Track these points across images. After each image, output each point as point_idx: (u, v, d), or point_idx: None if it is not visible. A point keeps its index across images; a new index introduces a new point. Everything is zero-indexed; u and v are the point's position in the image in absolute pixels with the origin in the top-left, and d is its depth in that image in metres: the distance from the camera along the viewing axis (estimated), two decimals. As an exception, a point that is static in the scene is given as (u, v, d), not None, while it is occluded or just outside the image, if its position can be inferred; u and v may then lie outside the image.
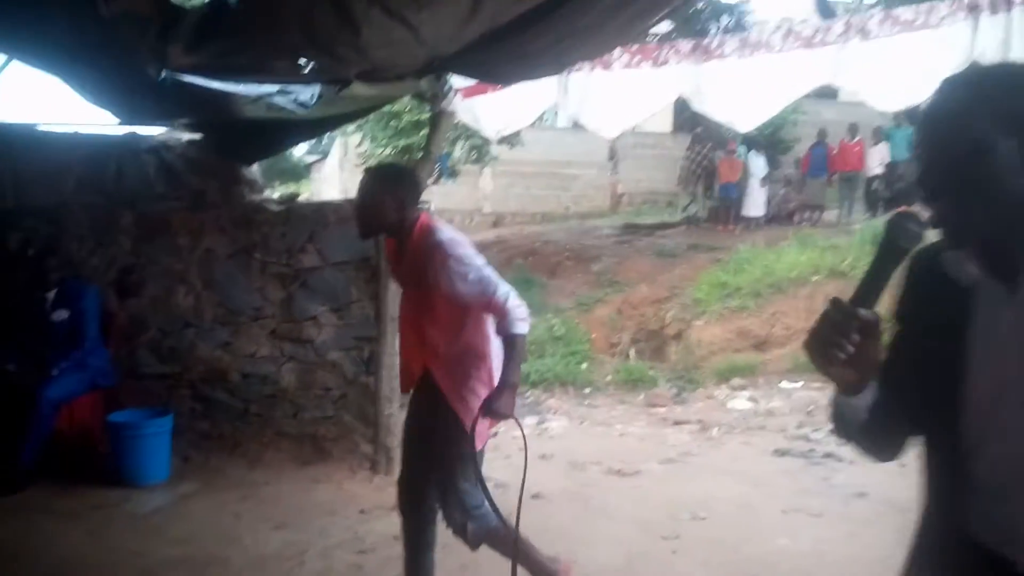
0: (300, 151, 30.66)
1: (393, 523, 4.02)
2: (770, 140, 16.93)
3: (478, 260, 2.59)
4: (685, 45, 4.39)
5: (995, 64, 1.28)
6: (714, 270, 10.53)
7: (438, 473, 2.77)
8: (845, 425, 1.31)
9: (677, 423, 7.26)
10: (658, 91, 4.45)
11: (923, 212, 1.20)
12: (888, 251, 1.20)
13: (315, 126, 4.75)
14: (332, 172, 22.07)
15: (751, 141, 15.27)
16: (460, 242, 2.63)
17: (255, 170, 5.16)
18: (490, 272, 2.58)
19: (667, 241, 12.09)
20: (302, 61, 2.60)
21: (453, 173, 12.61)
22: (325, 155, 23.93)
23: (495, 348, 2.69)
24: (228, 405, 4.92)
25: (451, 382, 2.69)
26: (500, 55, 2.84)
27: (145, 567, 3.42)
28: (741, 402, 8.16)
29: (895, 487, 4.91)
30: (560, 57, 3.12)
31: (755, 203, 13.04)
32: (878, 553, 3.73)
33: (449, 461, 2.71)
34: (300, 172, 25.10)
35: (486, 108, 4.68)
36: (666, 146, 17.85)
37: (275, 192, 8.72)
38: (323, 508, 4.16)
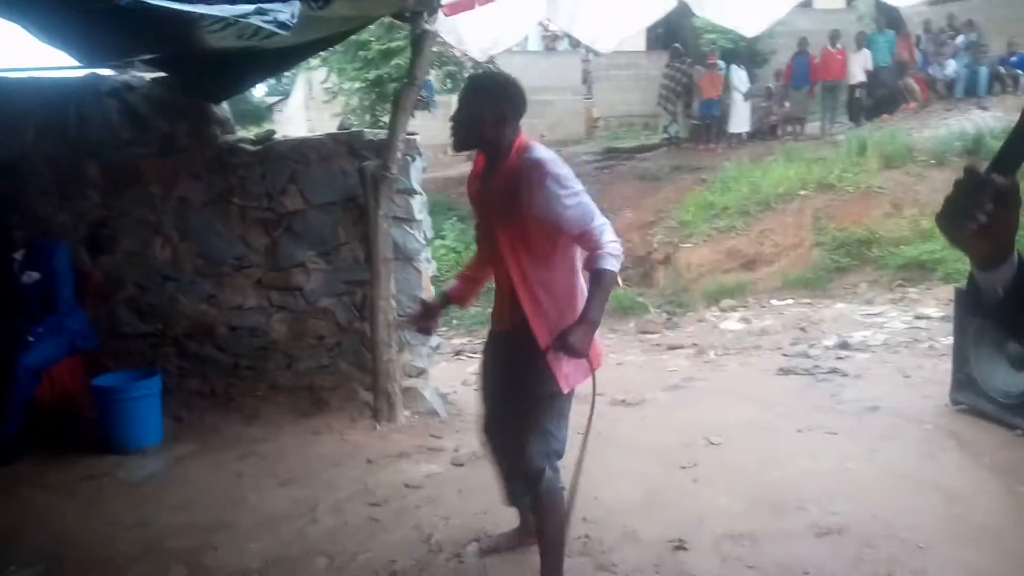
0: (260, 92, 29.70)
1: (402, 471, 3.92)
2: (747, 53, 16.55)
3: (578, 185, 2.36)
4: (683, -56, 4.07)
5: None
6: (700, 191, 10.36)
7: (524, 415, 2.55)
8: (984, 302, 1.20)
9: (672, 348, 7.18)
10: (655, -2, 4.15)
11: None
12: None
13: (284, 58, 4.38)
14: (296, 112, 21.37)
15: (729, 54, 14.89)
16: (558, 162, 2.38)
17: (226, 109, 4.80)
18: (589, 201, 2.35)
19: (649, 164, 11.83)
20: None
21: (432, 104, 12.07)
22: (287, 95, 23.14)
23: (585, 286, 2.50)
24: (218, 360, 4.70)
25: (539, 320, 2.47)
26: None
27: (147, 538, 3.23)
28: (733, 323, 8.10)
29: (904, 399, 4.88)
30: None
31: (740, 119, 12.73)
32: (903, 467, 3.68)
33: (536, 402, 2.50)
34: (262, 114, 24.26)
35: (471, 26, 4.34)
36: (641, 65, 17.35)
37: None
38: (328, 461, 3.99)
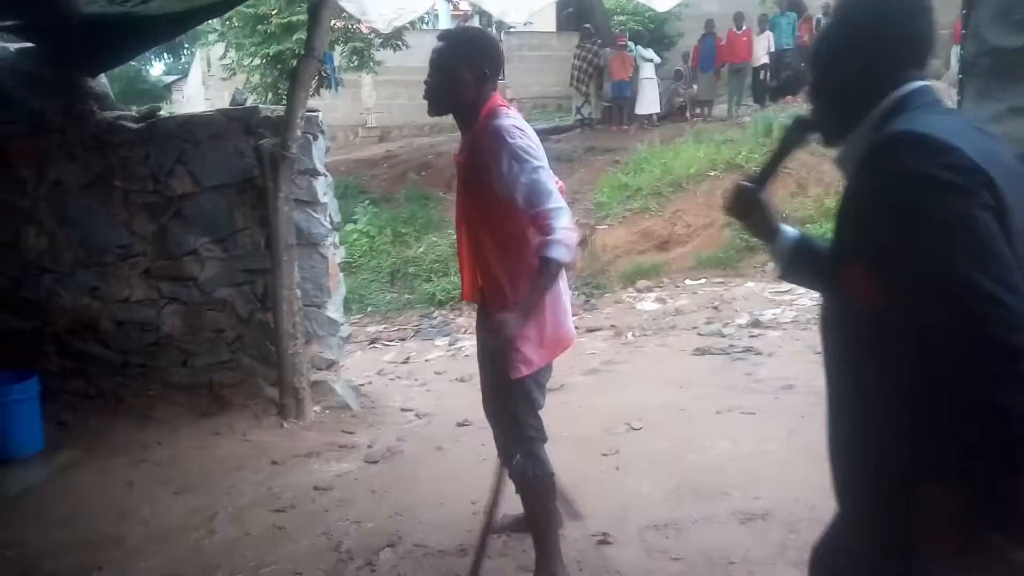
0: (158, 71, 28.16)
1: (310, 472, 3.67)
2: (655, 35, 16.70)
3: (537, 159, 2.17)
4: (593, -84, 3.91)
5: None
6: (614, 172, 10.33)
7: (496, 399, 2.50)
8: (779, 271, 1.72)
9: (590, 330, 7.13)
10: (566, -30, 3.98)
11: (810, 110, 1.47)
12: (783, 148, 1.62)
13: (166, 26, 4.01)
14: (195, 91, 20.30)
15: (638, 36, 14.95)
16: (522, 131, 2.21)
17: (104, 83, 4.37)
18: (548, 179, 2.17)
19: (563, 146, 11.73)
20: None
21: (336, 83, 11.57)
22: (185, 74, 22.01)
23: (554, 293, 2.33)
24: (104, 358, 4.31)
25: (497, 300, 2.33)
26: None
27: (24, 559, 2.91)
28: (649, 303, 8.13)
29: (817, 376, 4.86)
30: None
31: (650, 100, 12.78)
32: (821, 447, 3.66)
33: (504, 386, 2.38)
34: (159, 93, 23.04)
35: (373, -3, 4.08)
36: (552, 47, 17.26)
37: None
38: (229, 464, 3.71)
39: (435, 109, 2.36)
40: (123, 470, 3.65)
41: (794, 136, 1.58)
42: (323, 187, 4.43)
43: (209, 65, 15.40)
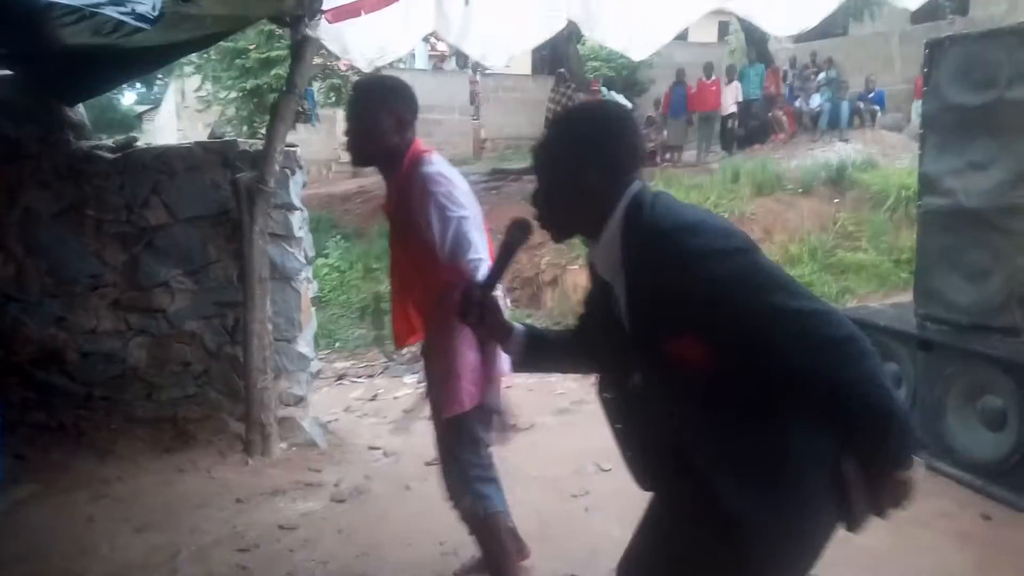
0: (129, 100, 28.02)
1: (276, 510, 3.61)
2: (627, 82, 17.10)
3: (465, 210, 2.17)
4: (572, -34, 4.03)
5: (581, 107, 1.87)
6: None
7: (441, 439, 2.51)
8: (514, 364, 1.79)
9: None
10: (547, 15, 4.08)
11: (533, 218, 1.58)
12: (506, 250, 1.66)
13: (149, 58, 4.03)
14: (167, 121, 20.29)
15: (611, 82, 15.29)
16: (447, 178, 2.21)
17: (81, 112, 4.35)
18: (473, 230, 2.16)
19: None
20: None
21: (315, 118, 11.63)
22: (157, 103, 21.97)
23: None
24: (67, 390, 4.22)
25: (437, 344, 2.35)
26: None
27: (-25, 596, 2.81)
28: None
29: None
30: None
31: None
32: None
33: (446, 426, 2.40)
34: (130, 123, 22.95)
35: (356, 35, 4.13)
36: (527, 89, 17.55)
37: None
38: (192, 501, 3.63)
39: (358, 159, 2.37)
40: (83, 505, 3.55)
41: (517, 238, 1.63)
42: (299, 221, 4.43)
43: (183, 96, 15.38)
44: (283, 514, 3.51)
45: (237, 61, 10.59)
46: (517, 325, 1.73)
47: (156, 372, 4.29)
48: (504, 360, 2.37)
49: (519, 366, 1.78)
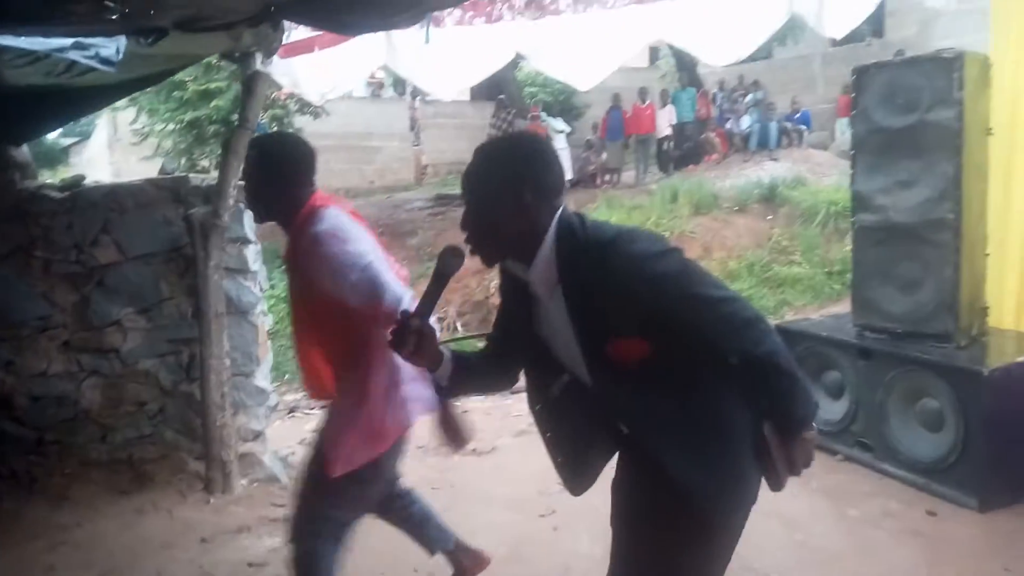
0: (54, 133, 27.09)
1: (243, 548, 3.58)
2: (564, 107, 17.43)
3: (362, 259, 2.10)
4: (519, 0, 4.18)
5: (503, 139, 1.91)
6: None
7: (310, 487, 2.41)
8: (440, 391, 1.84)
9: (515, 392, 7.17)
10: (495, 49, 4.22)
11: (464, 246, 1.66)
12: (439, 277, 1.68)
13: (97, 96, 3.99)
14: (99, 154, 19.72)
15: (548, 107, 15.57)
16: (340, 235, 2.14)
17: (26, 152, 4.28)
18: (378, 273, 2.09)
19: (480, 210, 11.98)
20: (110, 3, 2.04)
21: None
22: (86, 136, 21.33)
23: (388, 384, 2.23)
24: (17, 436, 4.10)
25: (331, 414, 2.32)
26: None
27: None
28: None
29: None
30: (420, 3, 2.74)
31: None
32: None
33: (316, 480, 2.35)
34: (56, 156, 22.15)
35: (307, 70, 4.19)
36: (467, 115, 17.73)
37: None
38: (155, 543, 3.57)
39: (257, 216, 2.39)
40: (41, 555, 3.45)
41: (450, 264, 1.66)
42: (253, 255, 4.42)
43: (116, 129, 15.01)
44: (251, 551, 3.48)
45: (175, 93, 10.45)
46: (445, 351, 1.78)
47: (110, 413, 4.20)
48: (405, 412, 2.28)
49: (448, 391, 1.82)
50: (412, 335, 1.65)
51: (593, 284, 1.56)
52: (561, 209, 1.64)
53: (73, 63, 2.79)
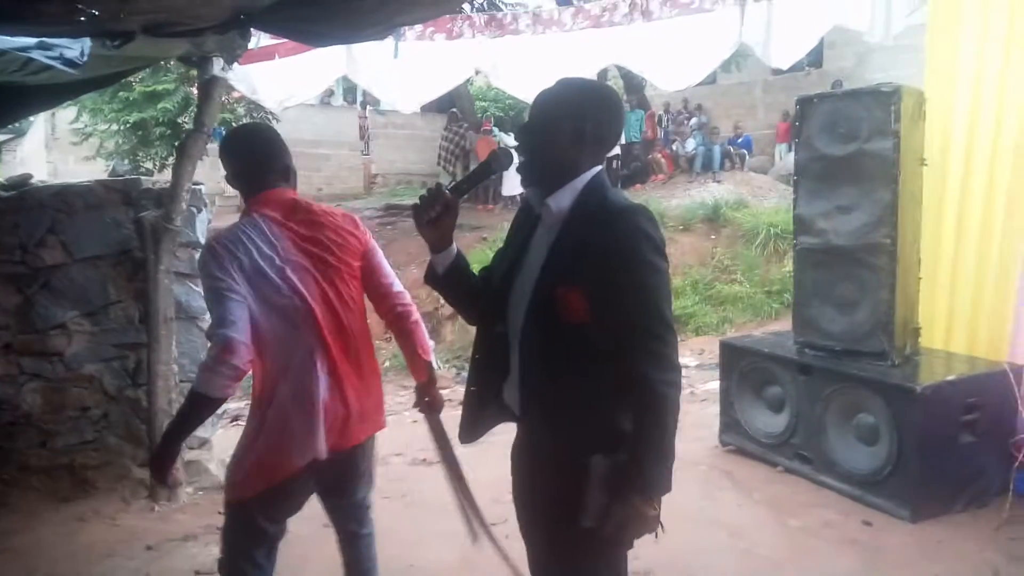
0: (-14, 129, 26.10)
1: (190, 556, 3.53)
2: (515, 122, 17.59)
3: (220, 281, 1.99)
4: (479, 19, 4.26)
5: (590, 80, 1.92)
6: (481, 249, 10.66)
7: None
8: (431, 275, 1.87)
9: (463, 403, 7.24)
10: (455, 65, 4.29)
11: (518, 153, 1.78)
12: (484, 167, 1.85)
13: (51, 95, 3.91)
14: (34, 153, 19.08)
15: (500, 121, 15.71)
16: (212, 251, 2.06)
17: (-31, 149, 4.16)
18: (221, 303, 1.97)
19: (430, 222, 12.01)
20: (80, 5, 2.03)
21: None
22: (20, 133, 20.62)
23: (293, 397, 2.10)
24: (-48, 441, 3.96)
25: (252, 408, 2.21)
26: (322, 11, 2.46)
27: None
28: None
29: (679, 441, 5.28)
30: (392, 17, 2.79)
31: (513, 182, 13.38)
32: (689, 507, 3.94)
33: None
34: (-13, 153, 21.34)
35: (265, 77, 4.19)
36: (417, 126, 17.74)
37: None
38: (98, 551, 3.50)
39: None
40: (-22, 562, 3.35)
41: (500, 161, 1.82)
42: (205, 260, 4.37)
43: (54, 128, 14.56)
44: (198, 560, 3.43)
45: (121, 94, 10.19)
46: (454, 243, 1.85)
47: (51, 418, 4.10)
48: (301, 450, 2.14)
49: (439, 280, 1.86)
50: (439, 205, 1.73)
51: (592, 231, 1.64)
52: (600, 167, 1.76)
53: (28, 61, 2.76)
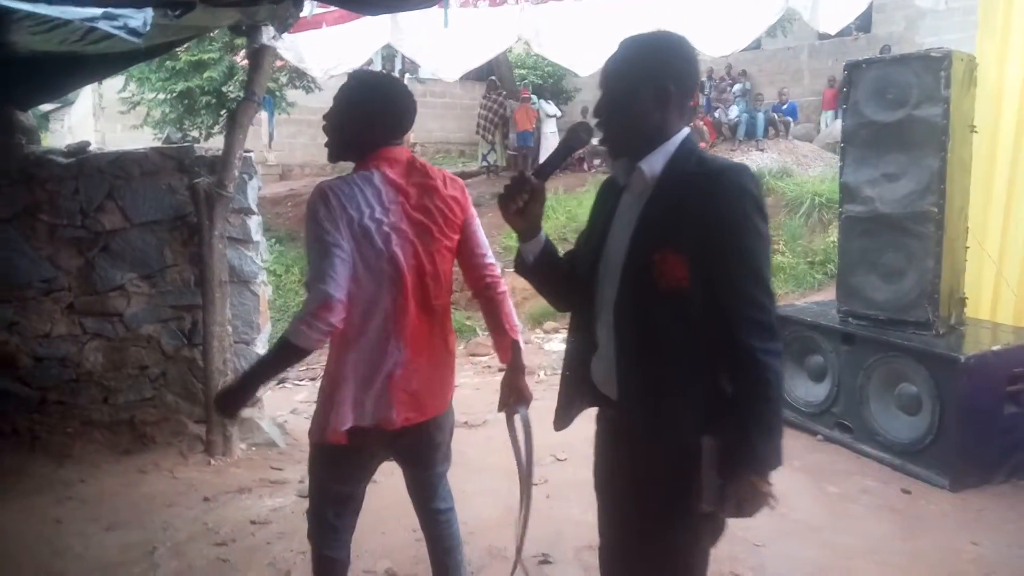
0: (35, 98, 26.68)
1: (245, 507, 3.70)
2: (554, 89, 17.45)
3: (325, 232, 1.98)
4: (523, -15, 4.27)
5: (653, 33, 1.82)
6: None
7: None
8: (521, 264, 1.81)
9: (502, 369, 7.35)
10: (498, 32, 4.30)
11: (594, 127, 1.73)
12: (566, 147, 1.77)
13: (106, 64, 4.03)
14: (82, 121, 19.48)
15: (539, 89, 15.61)
16: (320, 199, 2.02)
17: (32, 117, 4.31)
18: (320, 259, 1.97)
19: (471, 191, 11.87)
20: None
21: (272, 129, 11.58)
22: (68, 102, 21.05)
23: (358, 363, 2.10)
24: (20, 395, 4.17)
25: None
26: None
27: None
28: (557, 344, 8.44)
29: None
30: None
31: (551, 150, 13.35)
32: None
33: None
34: (36, 123, 21.85)
35: (313, 46, 4.26)
36: (455, 95, 17.71)
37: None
38: (159, 501, 3.68)
39: (331, 152, 2.21)
40: (47, 508, 3.55)
41: (579, 137, 1.73)
42: (255, 226, 4.50)
43: (102, 97, 14.85)
44: (253, 510, 3.59)
45: (167, 63, 10.37)
46: (542, 231, 1.77)
47: (112, 376, 4.28)
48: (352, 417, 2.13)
49: (529, 269, 1.78)
50: (525, 193, 1.65)
51: (690, 192, 1.56)
52: (687, 128, 1.68)
53: (91, 30, 2.85)
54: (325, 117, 2.18)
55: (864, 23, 15.73)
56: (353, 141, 2.13)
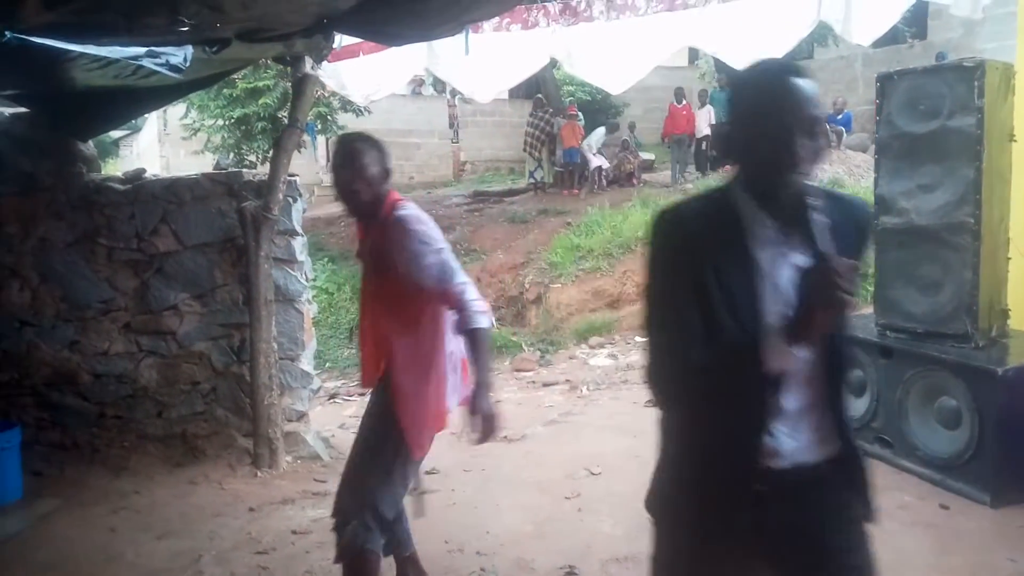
0: (107, 126, 27.94)
1: (287, 518, 3.85)
2: (602, 105, 17.52)
3: (439, 243, 2.36)
4: (554, 7, 4.37)
5: (791, 60, 1.60)
6: (566, 234, 10.77)
7: (367, 468, 2.52)
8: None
9: (547, 385, 7.41)
10: (530, 54, 4.41)
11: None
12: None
13: (159, 95, 4.29)
14: (148, 148, 20.36)
15: (587, 106, 15.72)
16: (422, 220, 2.40)
17: (91, 146, 4.60)
18: (450, 259, 2.37)
19: (517, 207, 12.20)
20: (182, 18, 2.28)
21: (315, 148, 12.00)
22: (136, 129, 22.01)
23: (451, 356, 2.48)
24: (80, 410, 4.43)
25: (401, 385, 2.45)
26: (396, 13, 2.65)
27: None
28: (602, 359, 8.45)
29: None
30: (460, 15, 2.96)
31: (598, 160, 13.42)
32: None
33: (382, 467, 2.48)
34: (106, 149, 22.87)
35: (353, 73, 4.44)
36: (505, 113, 17.95)
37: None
38: (207, 511, 3.86)
39: (353, 210, 2.47)
40: (103, 517, 3.76)
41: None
42: (300, 246, 4.69)
43: (166, 124, 15.52)
44: (295, 521, 3.74)
45: (224, 90, 10.84)
46: None
47: (166, 391, 4.51)
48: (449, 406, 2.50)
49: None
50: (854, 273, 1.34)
51: (839, 215, 1.46)
52: None
53: (139, 67, 3.06)
54: (355, 181, 2.42)
55: (920, 30, 15.39)
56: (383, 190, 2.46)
